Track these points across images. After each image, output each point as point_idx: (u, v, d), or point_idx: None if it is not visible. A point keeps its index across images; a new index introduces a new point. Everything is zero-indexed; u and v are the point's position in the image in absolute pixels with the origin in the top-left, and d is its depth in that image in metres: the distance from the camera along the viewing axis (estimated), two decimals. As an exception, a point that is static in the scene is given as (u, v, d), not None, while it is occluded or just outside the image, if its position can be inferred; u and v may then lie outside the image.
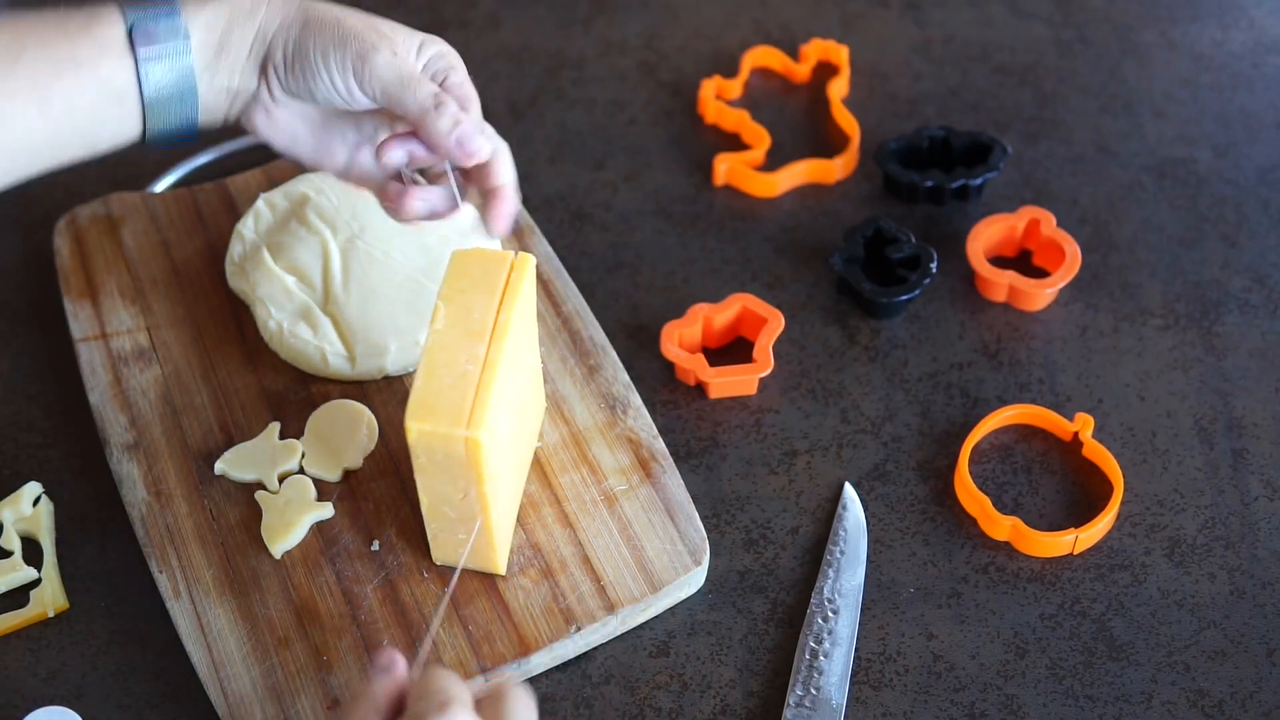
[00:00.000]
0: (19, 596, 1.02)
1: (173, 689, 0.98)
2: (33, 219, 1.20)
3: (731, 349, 1.13)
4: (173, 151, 1.24)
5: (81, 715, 0.94)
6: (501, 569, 0.99)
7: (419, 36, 0.98)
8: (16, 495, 1.04)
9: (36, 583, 1.02)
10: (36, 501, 1.05)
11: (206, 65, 0.94)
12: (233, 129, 1.25)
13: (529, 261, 0.94)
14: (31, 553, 1.03)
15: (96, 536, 1.04)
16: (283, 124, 0.98)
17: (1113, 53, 1.29)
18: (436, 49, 0.98)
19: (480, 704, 0.80)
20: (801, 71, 1.28)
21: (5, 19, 0.91)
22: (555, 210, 1.20)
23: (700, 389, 1.10)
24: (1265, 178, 1.21)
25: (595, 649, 0.99)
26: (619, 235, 1.19)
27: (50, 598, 1.01)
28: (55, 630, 1.00)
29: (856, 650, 0.99)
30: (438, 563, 0.99)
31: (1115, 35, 1.31)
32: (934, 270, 1.13)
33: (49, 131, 0.92)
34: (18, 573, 1.01)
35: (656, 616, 1.00)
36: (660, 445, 1.05)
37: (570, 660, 0.98)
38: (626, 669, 0.98)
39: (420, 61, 0.97)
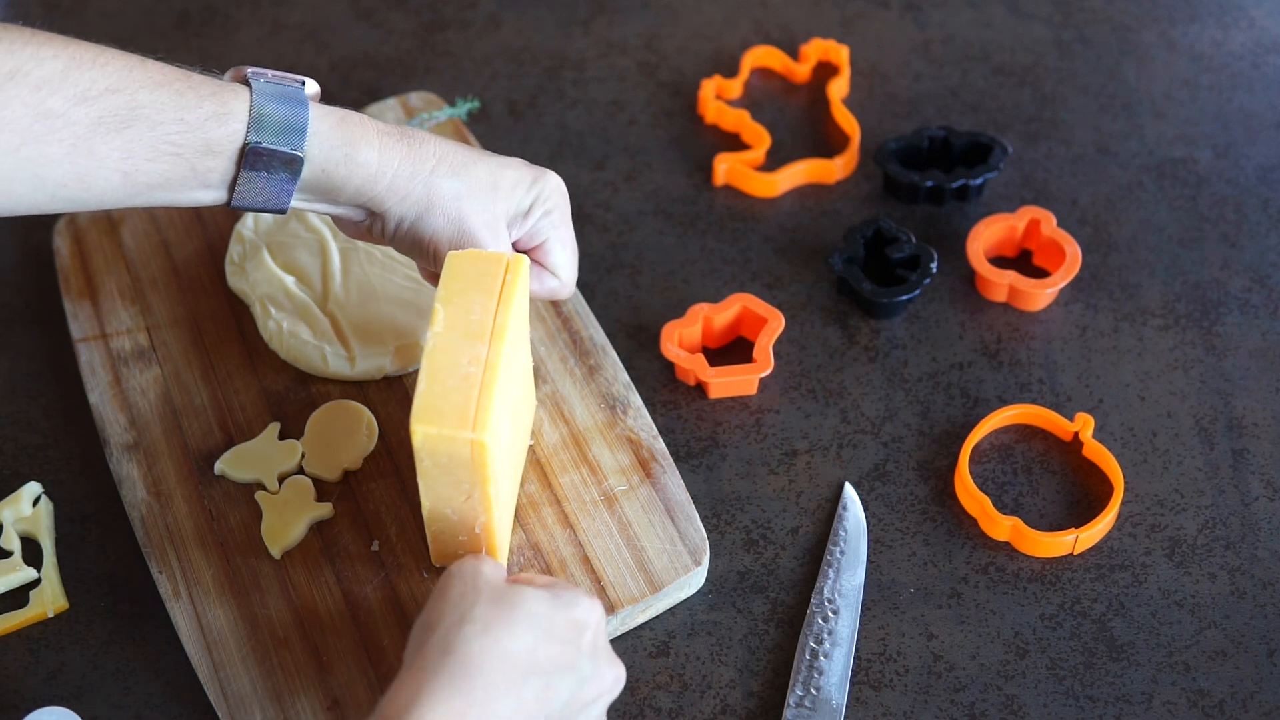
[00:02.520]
0: (19, 596, 1.02)
1: (172, 689, 0.98)
2: (33, 219, 1.20)
3: (731, 349, 1.13)
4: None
5: (81, 715, 0.94)
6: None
7: (530, 197, 0.98)
8: (16, 495, 1.04)
9: (36, 583, 1.02)
10: (36, 501, 1.05)
11: (307, 194, 0.95)
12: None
13: (523, 262, 0.94)
14: (31, 553, 1.03)
15: (96, 536, 1.04)
16: (360, 232, 1.00)
17: (1112, 53, 1.29)
18: (545, 209, 0.99)
19: None
20: (801, 71, 1.28)
21: (134, 71, 0.88)
22: (555, 210, 1.20)
23: (700, 389, 1.10)
24: (1265, 178, 1.21)
25: (595, 649, 0.99)
26: (619, 235, 1.19)
27: (50, 598, 1.01)
28: (55, 630, 1.00)
29: (856, 650, 0.98)
30: (437, 565, 0.99)
31: (1115, 36, 1.31)
32: (934, 270, 1.13)
33: (127, 194, 0.91)
34: (18, 573, 1.01)
35: (656, 616, 1.00)
36: (660, 445, 1.05)
37: (570, 660, 0.98)
38: (627, 669, 0.98)
39: (527, 224, 0.99)
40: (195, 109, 0.89)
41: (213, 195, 0.93)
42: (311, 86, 0.95)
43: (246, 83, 0.93)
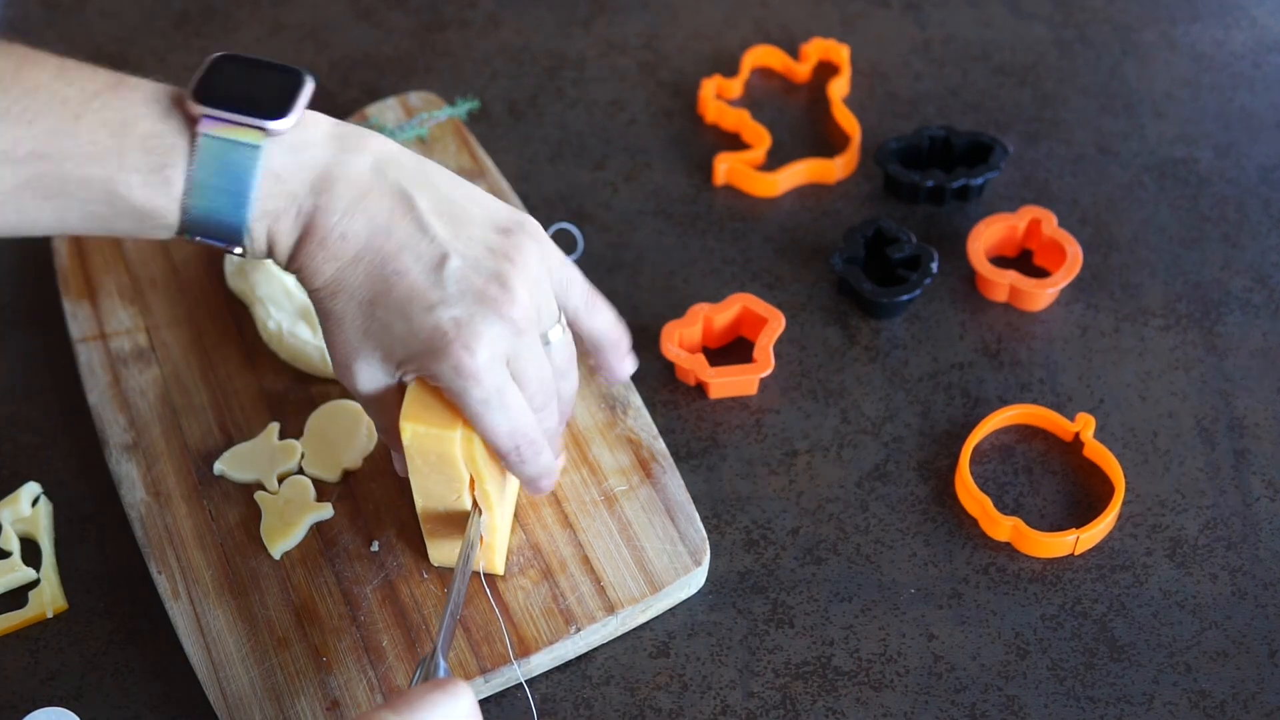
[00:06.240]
0: (18, 597, 1.01)
1: (172, 690, 0.98)
2: (32, 219, 1.20)
3: (732, 349, 1.13)
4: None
5: (80, 716, 0.94)
6: (500, 569, 0.99)
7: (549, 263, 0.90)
8: (15, 496, 1.04)
9: (35, 583, 1.02)
10: (35, 502, 1.05)
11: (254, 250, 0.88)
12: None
13: None
14: (30, 553, 1.03)
15: (95, 537, 1.04)
16: None
17: (1113, 52, 1.29)
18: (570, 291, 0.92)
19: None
20: (802, 71, 1.28)
21: (63, 138, 0.81)
22: (555, 211, 1.20)
23: (700, 389, 1.10)
24: (1266, 177, 1.21)
25: (595, 650, 0.99)
26: (619, 235, 1.19)
27: (49, 598, 1.01)
28: (54, 631, 1.00)
29: (858, 651, 0.98)
30: (435, 564, 0.99)
31: (1116, 35, 1.31)
32: (934, 270, 1.13)
33: (59, 227, 0.85)
34: (16, 573, 1.01)
35: (657, 617, 1.00)
36: (660, 445, 1.04)
37: (570, 661, 0.98)
38: (626, 669, 0.98)
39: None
40: (125, 197, 0.82)
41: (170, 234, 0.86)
42: (280, 125, 0.84)
43: (195, 136, 0.83)
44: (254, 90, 0.84)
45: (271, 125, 0.84)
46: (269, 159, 0.84)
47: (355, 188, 0.86)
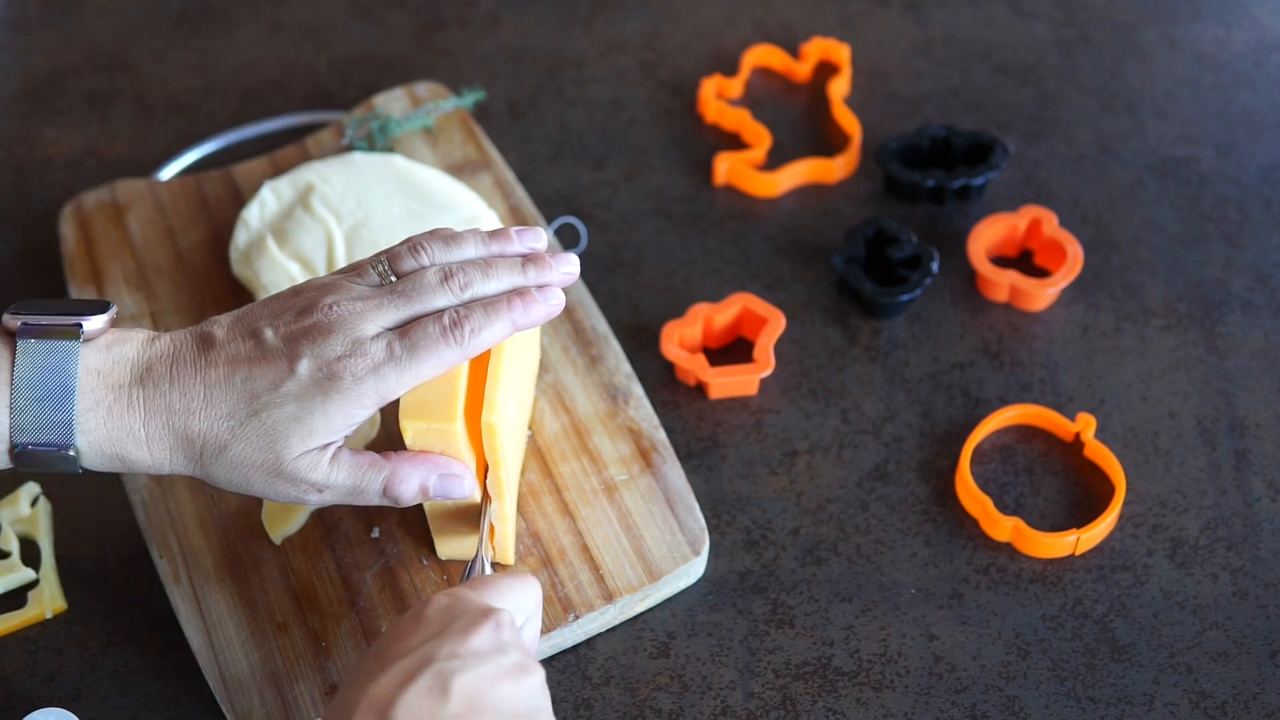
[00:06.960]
0: (17, 598, 1.01)
1: (171, 690, 0.97)
2: (35, 211, 1.20)
3: (732, 349, 1.13)
4: (178, 139, 1.24)
5: (79, 716, 0.94)
6: (511, 559, 0.99)
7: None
8: (15, 496, 1.04)
9: (34, 584, 1.02)
10: (35, 502, 1.05)
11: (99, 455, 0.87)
12: (238, 115, 1.26)
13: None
14: (29, 554, 1.03)
15: (95, 537, 1.04)
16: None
17: (1114, 52, 1.29)
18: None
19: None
20: (802, 70, 1.28)
21: None
22: (555, 210, 1.20)
23: (700, 389, 1.10)
24: (1268, 177, 1.21)
25: (595, 649, 0.99)
26: (619, 235, 1.19)
27: (48, 599, 1.00)
28: (53, 632, 1.00)
29: (858, 651, 0.98)
30: (443, 559, 0.99)
31: (1117, 34, 1.30)
32: (935, 270, 1.12)
33: None
34: (16, 574, 1.01)
35: (657, 617, 1.00)
36: (661, 435, 1.04)
37: (570, 661, 0.98)
38: (626, 670, 0.98)
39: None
40: None
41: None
42: (93, 323, 0.86)
43: (14, 343, 0.85)
44: (65, 306, 0.87)
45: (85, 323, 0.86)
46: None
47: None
